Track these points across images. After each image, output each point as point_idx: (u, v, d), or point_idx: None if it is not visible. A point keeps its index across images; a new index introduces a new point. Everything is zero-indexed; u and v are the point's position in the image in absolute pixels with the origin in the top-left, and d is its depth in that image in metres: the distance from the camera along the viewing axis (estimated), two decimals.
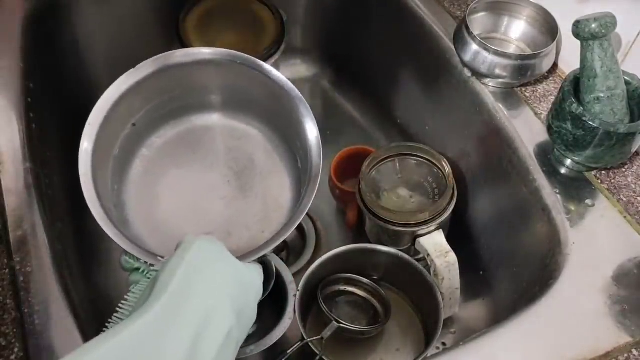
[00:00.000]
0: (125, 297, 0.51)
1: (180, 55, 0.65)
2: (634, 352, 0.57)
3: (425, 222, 0.72)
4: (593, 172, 0.70)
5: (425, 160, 0.77)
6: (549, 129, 0.69)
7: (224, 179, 0.68)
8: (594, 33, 0.61)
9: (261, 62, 0.65)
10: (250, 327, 0.51)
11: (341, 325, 0.69)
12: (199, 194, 0.67)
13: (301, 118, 0.63)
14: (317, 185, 0.60)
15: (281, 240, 0.59)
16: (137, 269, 0.58)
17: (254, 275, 0.53)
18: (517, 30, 0.81)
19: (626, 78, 0.66)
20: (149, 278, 0.56)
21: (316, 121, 0.64)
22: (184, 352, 0.41)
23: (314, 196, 0.60)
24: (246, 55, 0.65)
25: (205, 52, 0.65)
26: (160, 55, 0.64)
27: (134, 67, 0.64)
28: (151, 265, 0.57)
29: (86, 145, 0.60)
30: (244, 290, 0.50)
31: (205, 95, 0.69)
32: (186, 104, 0.69)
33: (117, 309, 0.50)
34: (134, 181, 0.66)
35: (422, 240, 0.72)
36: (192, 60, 0.65)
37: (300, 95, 0.64)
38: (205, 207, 0.66)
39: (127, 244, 0.57)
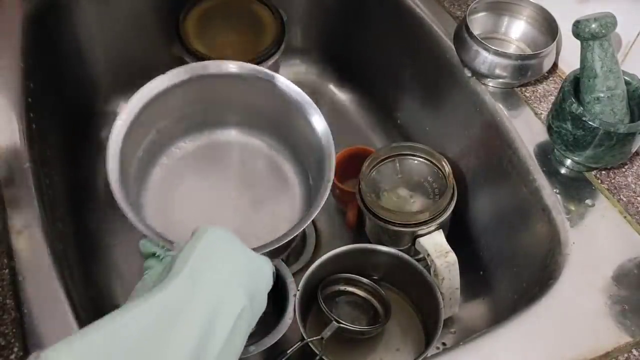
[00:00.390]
0: (143, 278, 0.53)
1: (213, 66, 0.67)
2: (634, 352, 0.57)
3: (425, 222, 0.72)
4: (593, 172, 0.70)
5: (425, 160, 0.77)
6: (549, 129, 0.69)
7: (238, 192, 0.71)
8: (594, 33, 0.61)
9: (281, 78, 0.67)
10: (260, 313, 0.52)
11: (341, 325, 0.69)
12: (213, 204, 0.70)
13: (316, 134, 0.67)
14: (326, 197, 0.63)
15: (289, 238, 0.61)
16: (154, 254, 0.59)
17: (265, 265, 0.54)
18: (517, 30, 0.81)
19: (626, 78, 0.66)
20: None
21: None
22: (199, 328, 0.43)
23: (322, 204, 0.62)
24: (269, 71, 0.67)
25: (232, 66, 0.68)
26: (193, 64, 0.66)
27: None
28: (168, 250, 0.58)
29: (120, 125, 0.61)
30: (254, 278, 0.51)
31: (225, 111, 0.72)
32: (207, 119, 0.72)
33: (136, 289, 0.52)
34: (153, 187, 0.69)
35: (422, 240, 0.72)
36: (222, 73, 0.67)
37: (318, 109, 0.67)
38: (217, 216, 0.68)
39: (145, 227, 0.58)
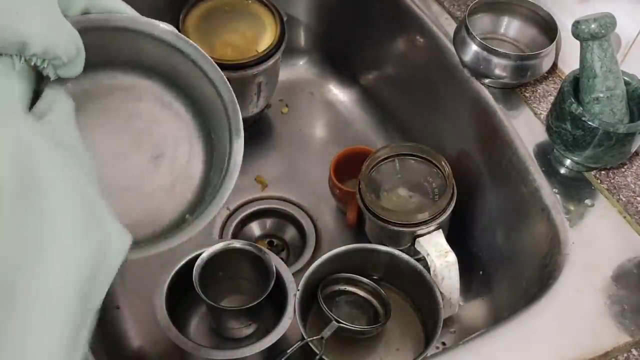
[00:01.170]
0: None
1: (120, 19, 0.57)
2: (634, 351, 0.57)
3: (425, 222, 0.72)
4: (592, 172, 0.70)
5: (425, 160, 0.77)
6: (549, 129, 0.69)
7: (133, 145, 0.61)
8: (594, 33, 0.61)
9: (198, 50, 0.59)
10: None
11: (341, 325, 0.69)
12: (102, 159, 0.59)
13: (220, 93, 0.59)
14: (237, 172, 0.56)
15: (197, 230, 0.53)
16: None
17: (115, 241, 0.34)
18: (516, 31, 0.82)
19: (625, 78, 0.66)
20: None
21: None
22: None
23: (233, 182, 0.55)
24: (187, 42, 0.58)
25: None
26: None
27: None
28: None
29: None
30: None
31: (122, 56, 0.61)
32: (98, 60, 0.60)
33: None
34: None
35: (422, 240, 0.73)
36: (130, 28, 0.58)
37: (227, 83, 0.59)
38: (107, 173, 0.58)
39: None
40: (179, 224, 0.57)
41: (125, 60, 0.64)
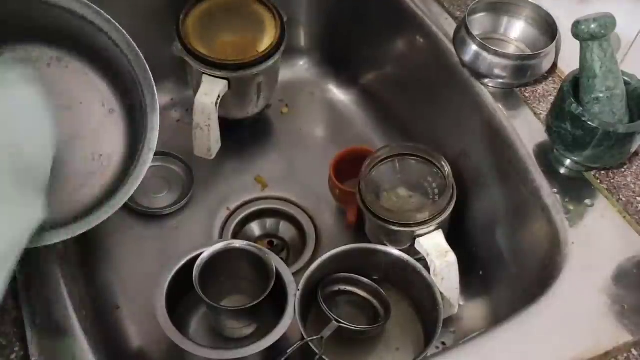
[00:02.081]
0: None
1: None
2: (634, 351, 0.57)
3: (425, 222, 0.72)
4: (592, 172, 0.70)
5: (425, 160, 0.77)
6: (549, 129, 0.69)
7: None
8: (594, 33, 0.61)
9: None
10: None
11: (341, 324, 0.69)
12: None
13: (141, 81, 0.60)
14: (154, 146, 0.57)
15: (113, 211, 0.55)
16: None
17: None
18: (516, 31, 0.82)
19: (625, 78, 0.66)
20: None
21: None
22: None
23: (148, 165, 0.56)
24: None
25: None
26: None
27: None
28: None
29: None
30: None
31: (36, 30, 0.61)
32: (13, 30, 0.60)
33: None
34: None
35: (422, 240, 0.73)
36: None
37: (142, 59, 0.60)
38: None
39: None
40: (94, 209, 0.57)
41: (52, 34, 0.62)
